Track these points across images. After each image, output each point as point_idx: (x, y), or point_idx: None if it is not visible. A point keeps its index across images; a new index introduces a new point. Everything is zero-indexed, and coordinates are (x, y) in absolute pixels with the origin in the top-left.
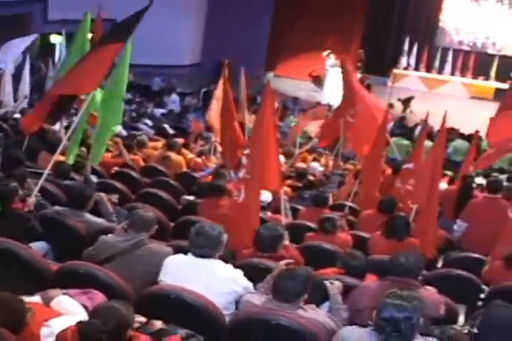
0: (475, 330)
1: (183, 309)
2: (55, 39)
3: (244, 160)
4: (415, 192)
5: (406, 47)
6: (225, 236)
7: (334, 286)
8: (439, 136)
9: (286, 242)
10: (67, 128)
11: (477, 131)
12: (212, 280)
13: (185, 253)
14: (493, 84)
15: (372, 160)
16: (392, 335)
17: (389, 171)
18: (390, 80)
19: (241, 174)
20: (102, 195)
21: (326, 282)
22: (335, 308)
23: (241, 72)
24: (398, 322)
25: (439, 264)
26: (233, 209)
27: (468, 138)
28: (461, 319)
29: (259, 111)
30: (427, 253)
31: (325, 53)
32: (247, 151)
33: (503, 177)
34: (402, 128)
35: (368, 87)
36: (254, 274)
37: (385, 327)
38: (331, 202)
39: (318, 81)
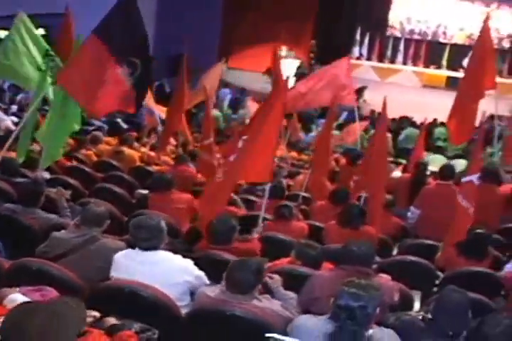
0: (429, 316)
1: (137, 303)
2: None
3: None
4: (367, 181)
5: (358, 37)
6: (164, 225)
7: (274, 280)
8: (380, 123)
9: (256, 235)
10: (17, 124)
11: (426, 119)
12: (163, 272)
13: (134, 247)
14: (445, 72)
15: (321, 150)
16: (347, 323)
17: (343, 161)
18: None
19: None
20: (59, 188)
21: (265, 278)
22: (284, 299)
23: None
24: (353, 311)
25: (395, 252)
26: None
27: (420, 126)
28: (417, 305)
29: (266, 101)
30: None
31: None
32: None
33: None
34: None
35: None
36: (208, 266)
37: (340, 314)
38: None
39: (270, 72)
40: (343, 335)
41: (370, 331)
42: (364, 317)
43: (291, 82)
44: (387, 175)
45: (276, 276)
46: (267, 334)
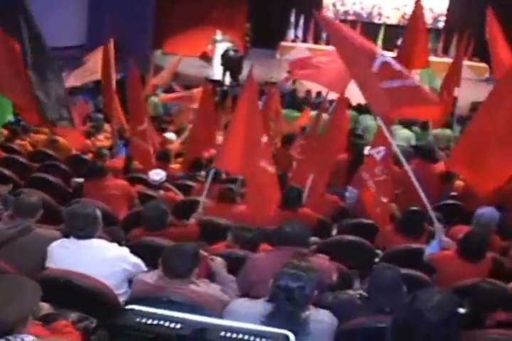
0: (365, 294)
1: (74, 292)
2: None
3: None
4: (311, 163)
5: (292, 19)
6: (98, 213)
7: (216, 262)
8: (338, 106)
9: (193, 220)
10: None
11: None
12: (100, 261)
13: (68, 236)
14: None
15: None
16: (285, 303)
17: (278, 144)
18: (278, 53)
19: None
20: None
21: (209, 260)
22: (224, 282)
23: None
24: (292, 291)
25: (334, 232)
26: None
27: (357, 108)
28: (357, 284)
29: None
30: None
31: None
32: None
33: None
34: (294, 101)
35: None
36: (145, 252)
37: (279, 295)
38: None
39: (206, 57)
40: (281, 316)
41: (307, 312)
42: (302, 298)
43: (218, 68)
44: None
45: (218, 259)
46: None
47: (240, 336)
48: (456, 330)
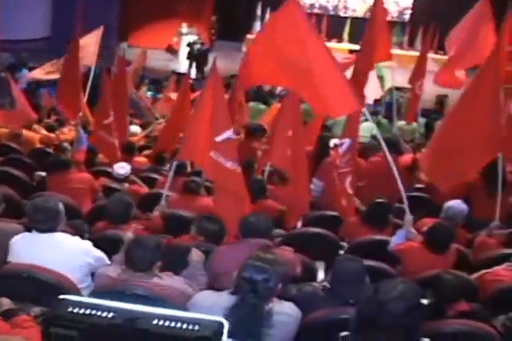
0: (328, 286)
1: (36, 287)
2: None
3: None
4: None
5: (259, 12)
6: (61, 206)
7: (193, 254)
8: (291, 98)
9: (156, 213)
10: None
11: None
12: (62, 255)
13: (30, 230)
14: (347, 46)
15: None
16: (249, 295)
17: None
18: (244, 46)
19: None
20: None
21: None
22: (194, 274)
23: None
24: (256, 283)
25: (299, 224)
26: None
27: None
28: (321, 276)
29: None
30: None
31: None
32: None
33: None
34: (259, 93)
35: None
36: (108, 246)
37: (243, 286)
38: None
39: (171, 50)
40: (244, 308)
41: (271, 304)
42: (266, 291)
43: (184, 61)
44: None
45: (198, 252)
46: None
47: (173, 324)
48: (418, 321)
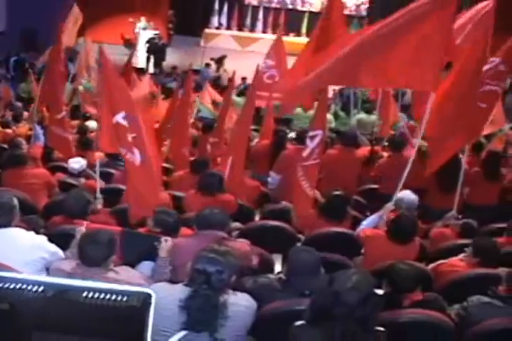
0: (283, 277)
1: None
2: None
3: None
4: (229, 149)
5: (216, 6)
6: (15, 201)
7: (164, 248)
8: (250, 91)
9: (99, 206)
10: None
11: None
12: (16, 250)
13: None
14: (304, 40)
15: (179, 120)
16: (202, 287)
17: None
18: (202, 40)
19: None
20: None
21: (158, 242)
22: (158, 266)
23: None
24: (210, 275)
25: (257, 217)
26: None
27: None
28: (279, 268)
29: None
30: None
31: (131, 20)
32: None
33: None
34: (217, 87)
35: None
36: (64, 241)
37: (196, 278)
38: None
39: (129, 44)
40: (198, 300)
41: (225, 296)
42: (219, 282)
43: (142, 56)
44: (249, 142)
45: (168, 243)
46: None
47: (102, 295)
48: (373, 311)
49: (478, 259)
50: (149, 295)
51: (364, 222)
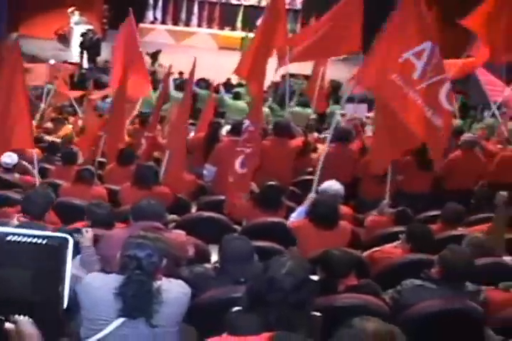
0: (218, 265)
1: None
2: None
3: None
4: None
5: (151, 1)
6: None
7: (86, 237)
8: (187, 85)
9: None
10: None
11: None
12: None
13: None
14: (240, 34)
15: (116, 115)
16: (135, 273)
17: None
18: (137, 35)
19: None
20: None
21: (79, 234)
22: (85, 255)
23: None
24: (140, 260)
25: (194, 209)
26: None
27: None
28: (216, 258)
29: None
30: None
31: (69, 10)
32: None
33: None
34: (153, 82)
35: None
36: None
37: (128, 264)
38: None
39: (63, 39)
40: (132, 286)
41: (159, 282)
42: (151, 266)
43: (76, 51)
44: (187, 135)
45: (89, 233)
46: None
47: (25, 239)
48: (309, 296)
49: (412, 246)
50: (67, 239)
51: (293, 215)
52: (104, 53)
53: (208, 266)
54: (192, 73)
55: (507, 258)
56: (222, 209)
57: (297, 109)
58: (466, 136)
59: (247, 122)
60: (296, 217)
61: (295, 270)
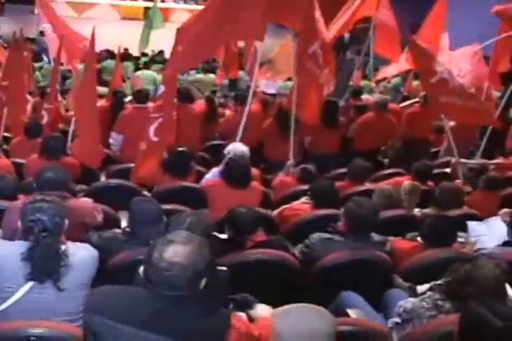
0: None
1: None
2: None
3: None
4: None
5: None
6: None
7: None
8: (89, 58)
9: None
10: None
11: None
12: None
13: None
14: (142, 3)
15: (14, 87)
16: (41, 235)
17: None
18: (36, 8)
19: None
20: None
21: None
22: None
23: None
24: (44, 222)
25: (103, 178)
26: None
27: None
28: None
29: None
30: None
31: None
32: None
33: None
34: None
35: None
36: None
37: (33, 228)
38: None
39: None
40: (40, 248)
41: (64, 246)
42: (56, 227)
43: None
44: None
45: None
46: None
47: None
48: (209, 250)
49: (316, 202)
50: None
51: (207, 176)
52: (3, 28)
53: (117, 230)
54: (92, 43)
55: (415, 210)
56: (130, 177)
57: (199, 75)
58: (377, 97)
59: (162, 88)
60: (211, 177)
61: (194, 225)
